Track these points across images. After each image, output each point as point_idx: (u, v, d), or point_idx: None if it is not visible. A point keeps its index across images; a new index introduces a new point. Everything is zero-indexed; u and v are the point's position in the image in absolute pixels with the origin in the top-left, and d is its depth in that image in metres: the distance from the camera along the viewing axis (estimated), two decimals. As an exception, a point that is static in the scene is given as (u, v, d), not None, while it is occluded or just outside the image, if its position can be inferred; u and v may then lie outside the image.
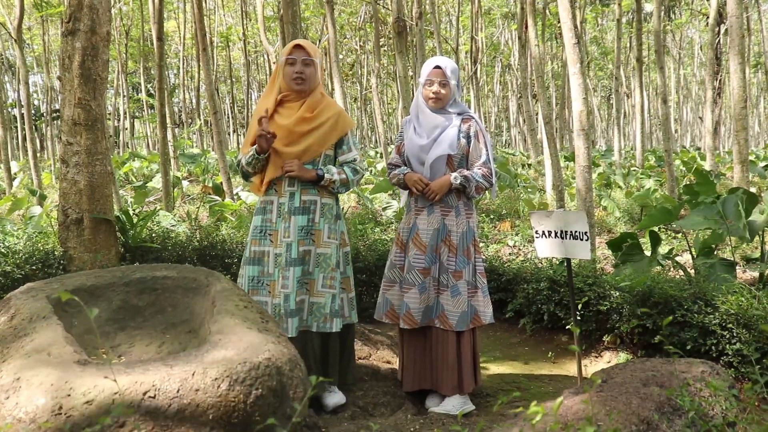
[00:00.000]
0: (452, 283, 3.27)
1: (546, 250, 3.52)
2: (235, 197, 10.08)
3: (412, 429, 2.84)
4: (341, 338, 3.36)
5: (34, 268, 4.32)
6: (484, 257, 5.17)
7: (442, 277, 3.28)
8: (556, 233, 3.43)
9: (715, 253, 5.05)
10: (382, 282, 3.45)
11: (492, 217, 9.38)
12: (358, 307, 4.14)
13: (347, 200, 11.22)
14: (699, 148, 28.65)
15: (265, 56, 23.57)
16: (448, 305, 3.26)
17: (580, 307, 4.19)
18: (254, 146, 3.17)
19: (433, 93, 3.28)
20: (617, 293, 4.15)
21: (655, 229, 5.16)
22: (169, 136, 12.86)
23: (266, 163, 3.23)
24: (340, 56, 17.52)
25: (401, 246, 3.40)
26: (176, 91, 31.91)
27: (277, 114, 3.23)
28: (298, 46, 3.21)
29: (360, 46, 28.60)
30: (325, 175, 3.22)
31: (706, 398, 2.30)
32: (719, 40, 18.67)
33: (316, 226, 3.23)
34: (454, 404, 3.25)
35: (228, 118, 35.57)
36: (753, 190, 10.81)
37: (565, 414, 2.27)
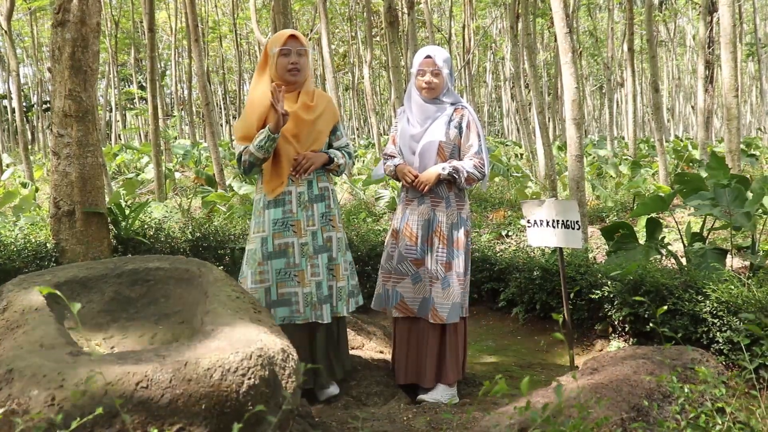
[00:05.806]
0: (442, 275, 3.27)
1: (538, 239, 3.53)
2: (227, 188, 10.05)
3: (405, 418, 2.85)
4: (337, 326, 3.38)
5: (26, 260, 4.31)
6: (475, 247, 5.19)
7: (434, 269, 3.28)
8: (548, 222, 3.44)
9: (707, 241, 5.07)
10: (380, 274, 3.46)
11: (484, 206, 9.39)
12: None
13: (339, 190, 11.22)
14: (691, 138, 28.72)
15: (257, 47, 23.46)
16: (438, 298, 3.25)
17: (572, 296, 4.21)
18: (265, 127, 3.05)
19: (425, 83, 3.25)
20: (609, 282, 4.17)
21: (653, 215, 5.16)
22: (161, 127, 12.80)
23: (275, 153, 3.14)
24: (332, 46, 17.43)
25: (395, 237, 3.40)
26: (167, 79, 31.73)
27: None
28: (292, 37, 3.19)
29: (351, 36, 28.48)
30: (335, 159, 3.26)
31: (696, 385, 2.32)
32: (711, 30, 18.68)
33: (332, 212, 3.28)
34: (442, 394, 3.27)
35: (220, 109, 35.39)
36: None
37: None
